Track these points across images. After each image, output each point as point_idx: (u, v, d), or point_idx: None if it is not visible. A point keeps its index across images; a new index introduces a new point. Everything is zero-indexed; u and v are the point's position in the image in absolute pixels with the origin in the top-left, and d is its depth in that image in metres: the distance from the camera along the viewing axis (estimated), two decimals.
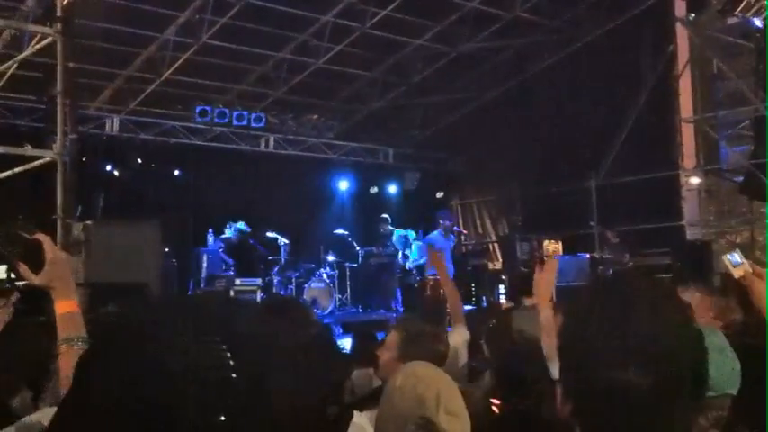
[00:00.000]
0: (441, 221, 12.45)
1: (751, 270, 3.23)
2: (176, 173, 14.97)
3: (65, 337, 2.08)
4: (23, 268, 2.12)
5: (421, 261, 13.93)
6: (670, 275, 12.42)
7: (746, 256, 3.37)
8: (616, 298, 1.28)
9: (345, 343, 6.83)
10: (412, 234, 14.57)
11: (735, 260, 3.29)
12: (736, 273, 3.28)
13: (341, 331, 11.62)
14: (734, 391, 2.04)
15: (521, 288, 4.49)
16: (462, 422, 2.14)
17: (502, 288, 14.44)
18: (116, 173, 14.17)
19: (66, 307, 2.12)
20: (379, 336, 5.75)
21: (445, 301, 5.21)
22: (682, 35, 13.75)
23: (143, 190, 13.79)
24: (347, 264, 14.74)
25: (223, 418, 0.95)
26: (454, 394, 2.17)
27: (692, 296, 4.17)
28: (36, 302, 2.30)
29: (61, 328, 2.10)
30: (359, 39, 13.70)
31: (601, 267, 13.10)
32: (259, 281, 12.98)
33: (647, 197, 13.81)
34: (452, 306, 4.99)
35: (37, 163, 8.25)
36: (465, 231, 17.18)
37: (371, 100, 15.94)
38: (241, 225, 13.57)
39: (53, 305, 2.15)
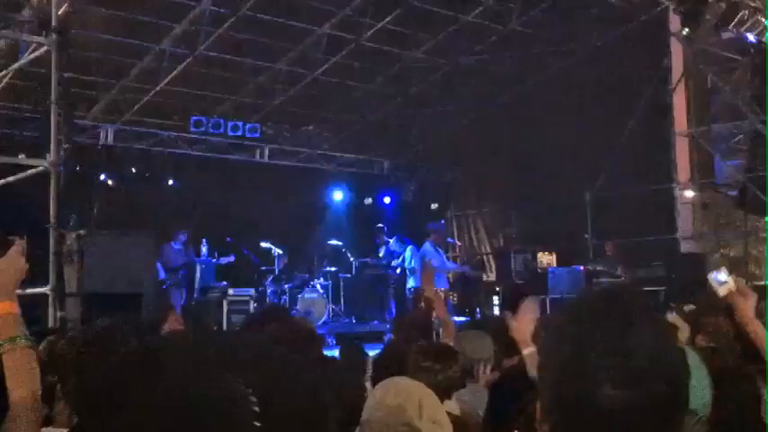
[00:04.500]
0: (431, 234, 12.54)
1: (735, 288, 3.23)
2: (171, 183, 14.96)
3: (8, 337, 2.16)
4: None
5: (413, 264, 13.91)
6: (663, 288, 12.49)
7: (740, 270, 3.39)
8: (603, 315, 1.27)
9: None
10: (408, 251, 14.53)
11: (719, 279, 3.26)
12: (721, 291, 3.27)
13: (334, 342, 11.59)
14: (704, 414, 2.03)
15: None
16: (446, 431, 2.16)
17: (496, 300, 14.45)
18: (111, 182, 14.15)
19: (5, 307, 2.20)
20: (367, 348, 5.72)
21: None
22: (676, 49, 13.80)
23: (138, 200, 13.78)
24: (341, 274, 14.72)
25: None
26: (436, 404, 2.20)
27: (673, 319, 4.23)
28: None
29: (2, 329, 2.17)
30: (355, 50, 13.74)
31: (595, 280, 13.10)
32: (252, 291, 12.95)
33: (641, 210, 13.84)
34: (445, 327, 5.11)
35: (31, 172, 8.24)
36: (459, 243, 17.19)
37: (367, 111, 15.96)
38: None
39: None
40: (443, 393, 2.87)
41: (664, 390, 1.18)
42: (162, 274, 12.35)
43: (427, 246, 12.47)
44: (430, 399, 2.22)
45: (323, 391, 1.05)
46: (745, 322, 3.16)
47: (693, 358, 2.11)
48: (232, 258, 13.27)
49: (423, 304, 11.39)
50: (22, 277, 2.30)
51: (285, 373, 1.03)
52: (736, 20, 11.96)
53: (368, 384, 4.32)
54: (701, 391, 2.02)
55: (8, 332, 2.17)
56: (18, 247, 2.28)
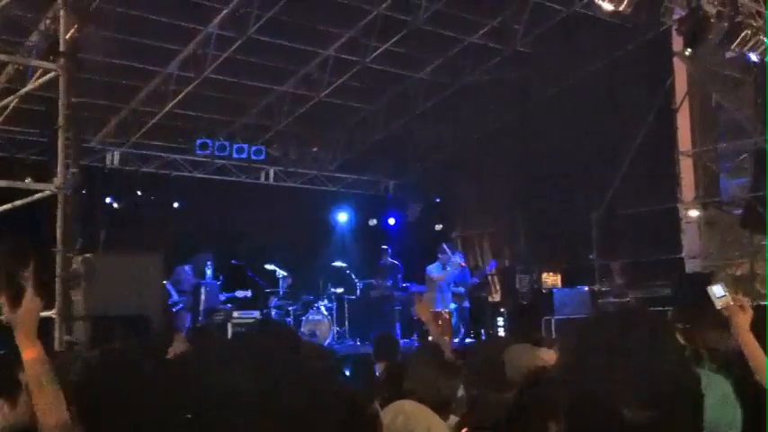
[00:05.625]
0: (439, 255, 12.63)
1: (732, 302, 3.41)
2: (176, 205, 14.97)
3: (35, 382, 2.23)
4: (4, 299, 2.28)
5: None
6: (669, 308, 12.44)
7: (746, 289, 3.54)
8: (617, 335, 1.28)
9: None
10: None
11: (718, 293, 3.49)
12: (719, 304, 3.48)
13: None
14: None
15: None
16: None
17: (501, 321, 14.39)
18: (117, 205, 14.18)
19: (30, 354, 2.26)
20: (376, 368, 5.71)
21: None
22: (680, 69, 13.83)
23: (143, 222, 13.79)
24: (346, 296, 14.69)
25: None
26: (443, 429, 2.20)
27: None
28: None
29: (30, 374, 2.26)
30: (360, 72, 13.81)
31: (601, 300, 13.07)
32: (257, 313, 12.94)
33: (647, 230, 13.82)
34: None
35: (38, 196, 8.26)
36: (464, 263, 17.13)
37: (372, 132, 16.01)
38: None
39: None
40: (442, 409, 2.86)
41: (668, 411, 1.19)
42: (174, 296, 12.37)
43: (433, 266, 12.52)
44: (437, 424, 2.23)
45: (323, 390, 1.06)
46: (739, 334, 3.33)
47: (724, 386, 2.11)
48: (249, 293, 13.27)
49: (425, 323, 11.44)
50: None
51: (286, 373, 1.04)
52: (738, 40, 11.98)
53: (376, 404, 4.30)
54: (724, 416, 2.02)
55: (36, 376, 2.24)
56: (32, 290, 2.32)
